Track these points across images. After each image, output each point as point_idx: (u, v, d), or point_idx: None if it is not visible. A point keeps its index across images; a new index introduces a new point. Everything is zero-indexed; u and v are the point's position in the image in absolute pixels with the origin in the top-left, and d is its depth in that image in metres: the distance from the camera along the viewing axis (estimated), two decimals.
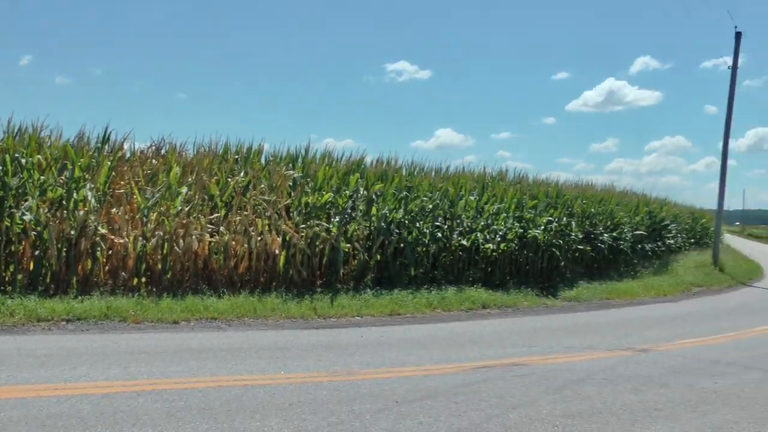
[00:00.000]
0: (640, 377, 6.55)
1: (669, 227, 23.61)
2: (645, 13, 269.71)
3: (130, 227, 9.54)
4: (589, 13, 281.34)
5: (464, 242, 12.81)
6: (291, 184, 11.27)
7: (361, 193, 11.80)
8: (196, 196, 10.21)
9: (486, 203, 14.11)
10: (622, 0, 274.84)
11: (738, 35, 22.48)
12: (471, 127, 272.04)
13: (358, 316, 9.52)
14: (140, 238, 9.52)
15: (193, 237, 9.66)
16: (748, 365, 7.60)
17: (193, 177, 10.62)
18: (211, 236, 9.98)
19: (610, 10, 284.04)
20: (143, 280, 9.63)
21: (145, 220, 9.69)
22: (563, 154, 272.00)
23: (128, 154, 11.02)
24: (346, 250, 11.19)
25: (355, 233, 11.33)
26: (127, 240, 9.39)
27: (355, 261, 11.46)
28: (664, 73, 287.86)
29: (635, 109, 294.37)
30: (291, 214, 10.97)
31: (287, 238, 10.59)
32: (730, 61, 22.59)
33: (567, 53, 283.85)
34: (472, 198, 13.90)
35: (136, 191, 9.98)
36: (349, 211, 11.47)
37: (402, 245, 11.90)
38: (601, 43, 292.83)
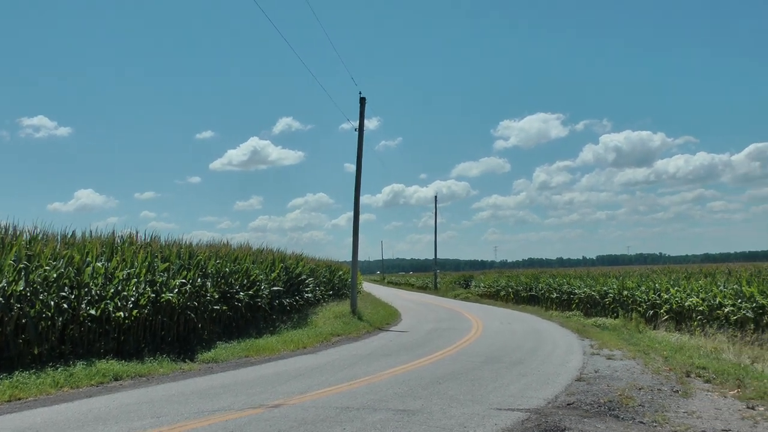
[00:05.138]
0: None
1: (306, 281, 26.76)
2: (286, 75, 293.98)
3: None
4: (231, 72, 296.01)
5: (93, 312, 13.57)
6: None
7: None
8: None
9: (116, 269, 14.95)
10: (264, 61, 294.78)
11: (362, 100, 27.56)
12: (114, 187, 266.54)
13: None
14: None
15: None
16: (376, 407, 9.05)
17: None
18: None
19: (253, 70, 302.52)
20: None
21: None
22: (208, 212, 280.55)
23: None
24: None
25: None
26: None
27: None
28: (306, 133, 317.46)
29: (279, 167, 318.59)
30: None
31: None
32: (356, 123, 27.24)
33: (211, 112, 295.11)
34: (100, 264, 14.65)
35: None
36: None
37: (24, 320, 12.21)
38: (244, 102, 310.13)
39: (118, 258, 15.46)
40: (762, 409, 9.08)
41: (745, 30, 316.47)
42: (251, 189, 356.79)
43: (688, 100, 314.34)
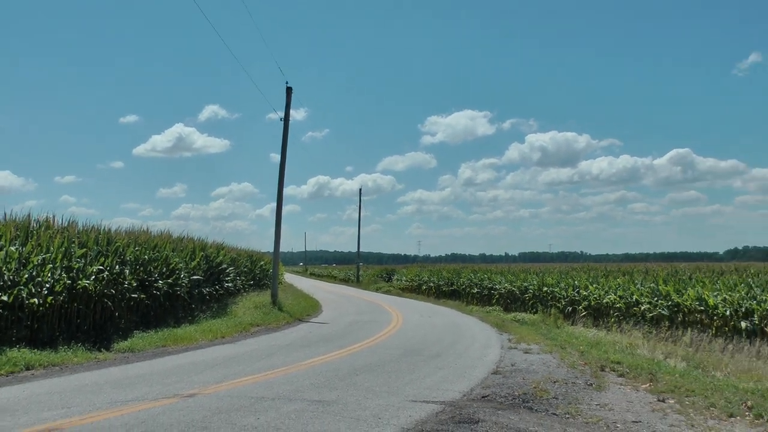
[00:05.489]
0: (182, 423, 7.46)
1: (227, 270, 26.59)
2: (213, 62, 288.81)
3: None
4: (157, 56, 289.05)
5: (5, 298, 13.20)
6: None
7: None
8: None
9: (31, 253, 14.58)
10: (191, 47, 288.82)
11: (289, 90, 27.47)
12: (33, 169, 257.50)
13: None
14: None
15: None
16: (292, 398, 9.07)
17: None
18: None
19: (179, 55, 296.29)
20: None
21: None
22: (130, 199, 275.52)
23: None
24: None
25: None
26: None
27: None
28: (232, 122, 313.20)
29: (204, 155, 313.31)
30: None
31: None
32: (283, 113, 27.14)
33: (136, 96, 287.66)
34: (13, 248, 14.29)
35: None
36: None
37: None
38: (170, 88, 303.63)
39: (33, 242, 15.10)
40: (672, 401, 9.46)
41: (672, 39, 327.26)
42: (175, 176, 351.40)
43: (614, 104, 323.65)
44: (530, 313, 27.34)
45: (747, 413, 8.65)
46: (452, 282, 41.23)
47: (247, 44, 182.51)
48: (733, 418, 8.44)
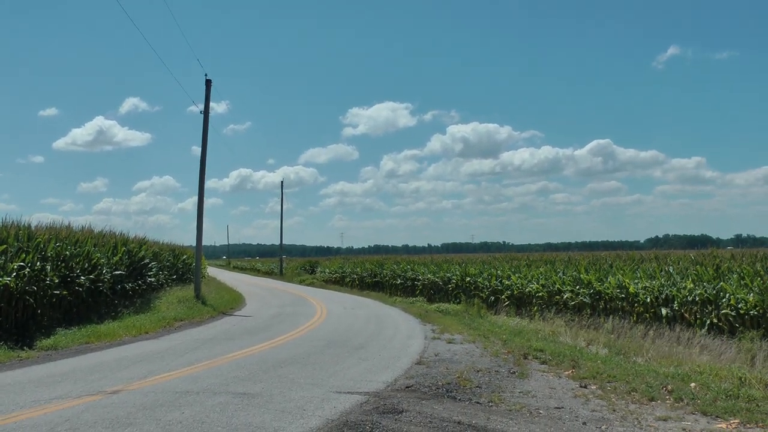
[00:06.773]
0: (106, 420, 7.39)
1: (149, 265, 26.28)
2: (132, 53, 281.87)
3: None
4: (75, 48, 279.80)
5: None
6: None
7: None
8: None
9: None
10: (109, 38, 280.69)
11: (208, 82, 27.22)
12: None
13: None
14: None
15: None
16: (217, 391, 9.07)
17: None
18: None
19: (98, 47, 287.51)
20: None
21: None
22: (51, 194, 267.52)
23: None
24: None
25: None
26: None
27: None
28: (153, 115, 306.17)
29: (125, 149, 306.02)
30: None
31: None
32: (203, 106, 26.95)
33: (55, 89, 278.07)
34: None
35: None
36: None
37: None
38: (90, 80, 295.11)
39: None
40: (594, 387, 9.65)
41: (593, 32, 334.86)
42: (96, 170, 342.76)
43: (535, 96, 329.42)
44: (453, 303, 27.36)
45: (667, 396, 8.90)
46: (375, 273, 41.30)
47: (167, 36, 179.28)
48: (653, 402, 8.67)
